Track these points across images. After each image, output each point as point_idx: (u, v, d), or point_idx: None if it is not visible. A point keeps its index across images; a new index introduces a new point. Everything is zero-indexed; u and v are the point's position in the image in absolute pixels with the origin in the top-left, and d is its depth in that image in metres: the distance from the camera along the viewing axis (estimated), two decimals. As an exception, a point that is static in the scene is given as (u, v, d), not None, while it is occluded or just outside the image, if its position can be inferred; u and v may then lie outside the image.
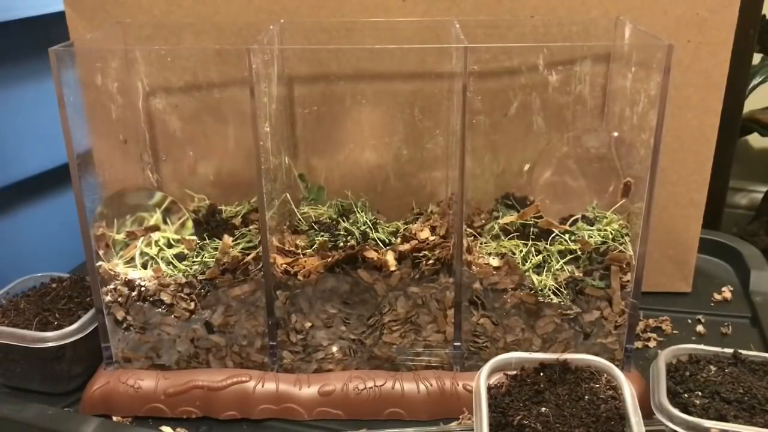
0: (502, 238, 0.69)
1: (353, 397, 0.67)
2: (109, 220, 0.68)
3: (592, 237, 0.66)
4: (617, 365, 0.60)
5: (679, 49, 0.71)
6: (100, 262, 0.67)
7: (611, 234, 0.66)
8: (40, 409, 0.64)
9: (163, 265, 0.67)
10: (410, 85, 0.72)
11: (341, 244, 0.66)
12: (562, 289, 0.65)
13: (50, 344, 0.67)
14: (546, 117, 0.72)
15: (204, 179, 0.75)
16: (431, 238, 0.66)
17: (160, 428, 0.65)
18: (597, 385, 0.57)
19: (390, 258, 0.65)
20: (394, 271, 0.65)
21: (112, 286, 0.67)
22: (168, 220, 0.70)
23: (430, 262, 0.66)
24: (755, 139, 1.61)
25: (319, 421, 0.67)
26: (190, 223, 0.70)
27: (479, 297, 0.67)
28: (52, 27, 0.80)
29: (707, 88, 0.75)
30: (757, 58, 1.44)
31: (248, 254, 0.67)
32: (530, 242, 0.67)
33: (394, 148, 0.74)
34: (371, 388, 0.67)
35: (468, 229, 0.69)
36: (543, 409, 0.55)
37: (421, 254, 0.66)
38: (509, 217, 0.69)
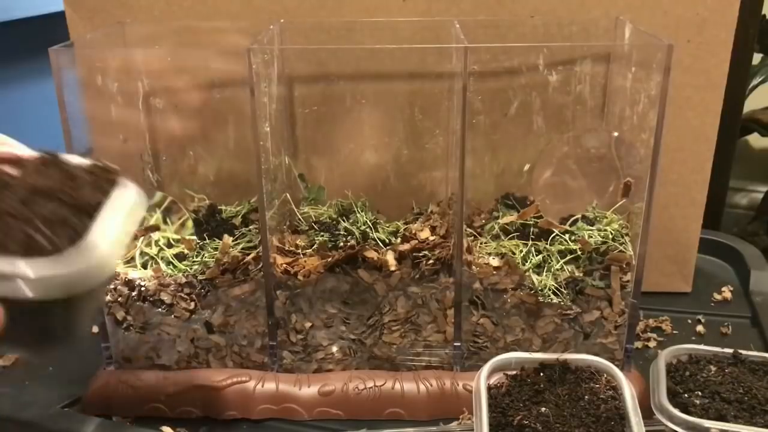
0: (502, 238, 0.69)
1: (353, 397, 0.67)
2: (109, 220, 0.68)
3: (592, 237, 0.66)
4: (617, 365, 0.60)
5: (679, 49, 0.71)
6: (100, 262, 0.67)
7: (611, 234, 0.66)
8: (40, 409, 0.64)
9: (163, 265, 0.67)
10: (410, 85, 0.72)
11: (341, 244, 0.66)
12: (562, 289, 0.65)
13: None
14: (546, 117, 0.71)
15: (204, 179, 0.75)
16: (431, 238, 0.66)
17: (160, 428, 0.65)
18: (597, 385, 0.57)
19: (390, 258, 0.65)
20: (394, 271, 0.65)
21: (112, 286, 0.67)
22: (168, 220, 0.70)
23: (430, 262, 0.66)
24: (755, 139, 1.61)
25: (319, 421, 0.67)
26: (190, 223, 0.70)
27: (479, 297, 0.67)
28: (52, 27, 0.80)
29: (707, 88, 0.75)
30: (757, 58, 1.44)
31: (248, 254, 0.67)
32: (530, 242, 0.67)
33: (394, 148, 0.74)
34: (371, 388, 0.67)
35: (468, 229, 0.69)
36: (543, 409, 0.55)
37: (421, 254, 0.66)
38: (509, 217, 0.69)
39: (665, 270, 0.84)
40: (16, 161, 0.37)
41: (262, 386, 0.67)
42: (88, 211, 0.35)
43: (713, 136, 0.78)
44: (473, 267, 0.66)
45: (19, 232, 0.32)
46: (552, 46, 0.70)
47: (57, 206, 0.35)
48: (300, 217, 0.71)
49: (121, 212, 0.38)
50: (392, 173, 0.75)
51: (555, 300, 0.65)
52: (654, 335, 0.78)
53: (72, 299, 0.33)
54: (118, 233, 0.36)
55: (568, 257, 0.66)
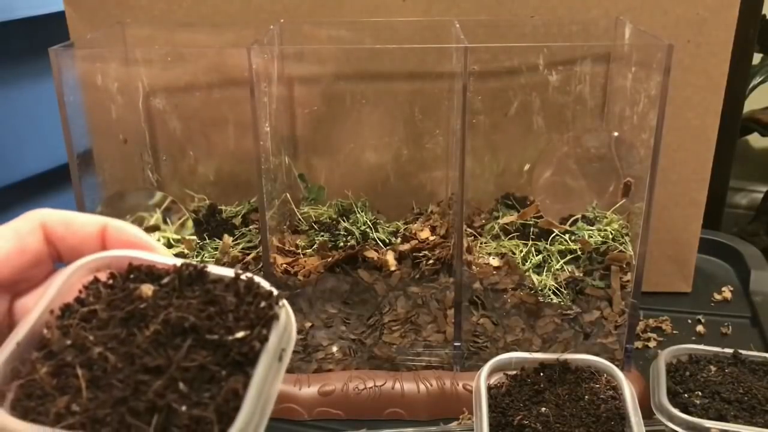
0: (502, 238, 0.69)
1: (353, 397, 0.67)
2: (109, 220, 0.68)
3: (592, 237, 0.66)
4: (617, 365, 0.60)
5: (679, 49, 0.71)
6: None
7: (611, 234, 0.66)
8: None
9: (163, 265, 0.67)
10: (410, 85, 0.72)
11: (341, 244, 0.66)
12: (562, 289, 0.65)
13: None
14: (546, 117, 0.71)
15: (204, 179, 0.75)
16: (431, 238, 0.66)
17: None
18: (597, 385, 0.57)
19: (390, 258, 0.65)
20: (394, 271, 0.65)
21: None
22: (168, 220, 0.70)
23: (430, 262, 0.66)
24: (755, 139, 1.61)
25: (319, 421, 0.67)
26: (190, 223, 0.70)
27: (479, 297, 0.67)
28: (52, 27, 0.80)
29: (707, 88, 0.75)
30: (757, 58, 1.44)
31: (248, 254, 0.67)
32: (530, 242, 0.67)
33: (394, 148, 0.74)
34: (371, 388, 0.67)
35: (468, 229, 0.69)
36: (543, 409, 0.55)
37: (421, 254, 0.66)
38: (509, 217, 0.69)
39: (665, 270, 0.84)
40: (150, 273, 0.30)
41: (262, 386, 0.67)
42: (240, 364, 0.27)
43: (713, 136, 0.78)
44: (473, 267, 0.66)
45: (157, 400, 0.25)
46: (552, 46, 0.70)
47: (201, 354, 0.26)
48: (300, 217, 0.71)
49: (278, 368, 0.28)
50: (392, 173, 0.75)
51: (555, 300, 0.65)
52: (654, 335, 0.78)
53: None
54: (271, 396, 0.27)
55: (568, 257, 0.66)
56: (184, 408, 0.25)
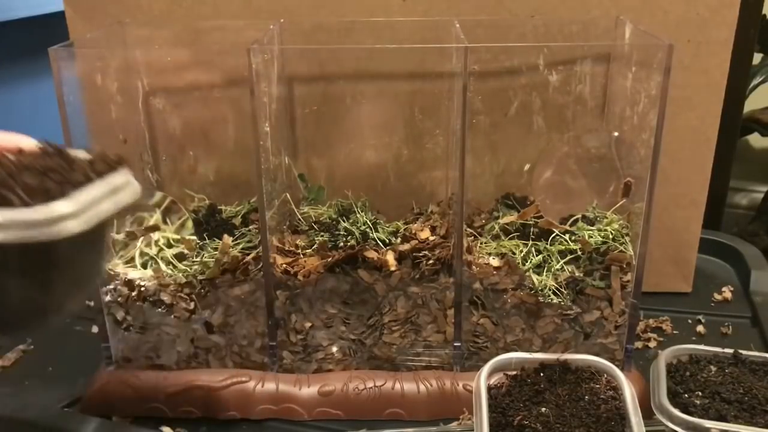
0: (502, 238, 0.69)
1: (353, 397, 0.67)
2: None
3: (592, 237, 0.66)
4: (617, 365, 0.60)
5: (679, 49, 0.71)
6: (100, 262, 0.67)
7: (611, 234, 0.66)
8: (40, 409, 0.64)
9: (162, 265, 0.67)
10: (410, 85, 0.72)
11: (341, 244, 0.66)
12: (563, 289, 0.65)
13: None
14: (546, 117, 0.71)
15: (204, 179, 0.75)
16: (431, 238, 0.66)
17: (160, 428, 0.65)
18: (597, 386, 0.57)
19: (390, 258, 0.65)
20: (394, 271, 0.65)
21: (111, 286, 0.67)
22: (168, 220, 0.70)
23: (430, 262, 0.66)
24: (755, 139, 1.61)
25: (319, 421, 0.67)
26: (190, 223, 0.70)
27: (479, 297, 0.67)
28: (52, 27, 0.80)
29: (707, 88, 0.75)
30: (757, 58, 1.44)
31: (248, 254, 0.67)
32: (530, 242, 0.67)
33: (394, 148, 0.74)
34: (371, 388, 0.67)
35: (468, 229, 0.69)
36: (543, 409, 0.55)
37: (421, 254, 0.66)
38: (509, 217, 0.69)
39: (665, 270, 0.84)
40: (17, 150, 0.38)
41: (262, 386, 0.67)
42: (75, 186, 0.36)
43: (713, 136, 0.78)
44: (473, 267, 0.66)
45: None
46: (552, 46, 0.70)
47: (44, 180, 0.35)
48: (300, 217, 0.71)
49: (108, 190, 0.38)
50: (392, 173, 0.75)
51: (555, 300, 0.65)
52: (654, 335, 0.78)
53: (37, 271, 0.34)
54: (97, 205, 0.36)
55: (568, 257, 0.66)
56: (17, 201, 0.32)
